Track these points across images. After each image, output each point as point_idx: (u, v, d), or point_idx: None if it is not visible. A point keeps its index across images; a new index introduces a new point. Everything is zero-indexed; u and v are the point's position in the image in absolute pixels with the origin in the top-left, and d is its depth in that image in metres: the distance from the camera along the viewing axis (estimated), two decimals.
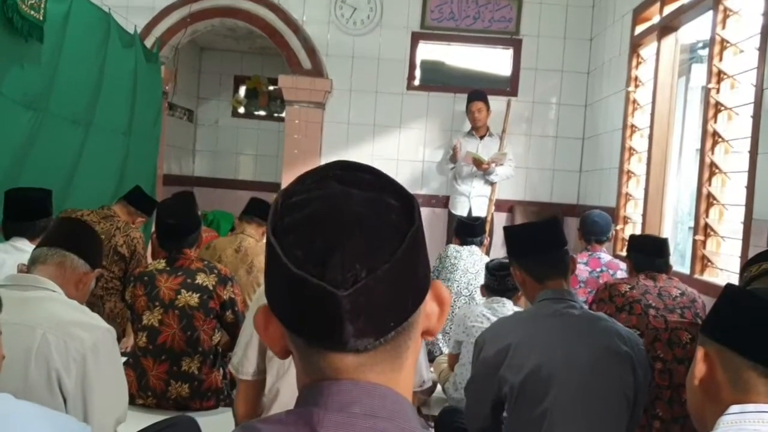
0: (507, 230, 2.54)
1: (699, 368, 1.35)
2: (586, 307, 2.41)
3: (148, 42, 6.71)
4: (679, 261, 6.01)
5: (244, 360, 2.28)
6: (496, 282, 3.65)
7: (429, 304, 0.88)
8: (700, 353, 1.36)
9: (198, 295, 3.33)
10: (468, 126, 6.55)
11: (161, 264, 3.42)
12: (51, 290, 2.08)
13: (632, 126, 5.53)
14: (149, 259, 4.40)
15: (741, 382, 1.29)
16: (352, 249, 0.78)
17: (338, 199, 0.82)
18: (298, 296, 0.80)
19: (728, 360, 1.31)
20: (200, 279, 3.36)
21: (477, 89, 6.53)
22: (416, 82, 7.04)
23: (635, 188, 5.51)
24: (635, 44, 5.50)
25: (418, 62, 7.06)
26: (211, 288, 3.35)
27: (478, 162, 6.17)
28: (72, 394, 1.93)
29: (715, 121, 3.99)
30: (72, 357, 1.94)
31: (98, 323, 2.05)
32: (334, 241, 0.78)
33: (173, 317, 3.31)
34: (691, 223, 5.25)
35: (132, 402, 3.10)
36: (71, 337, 1.96)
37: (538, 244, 2.39)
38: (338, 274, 0.77)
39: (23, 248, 3.20)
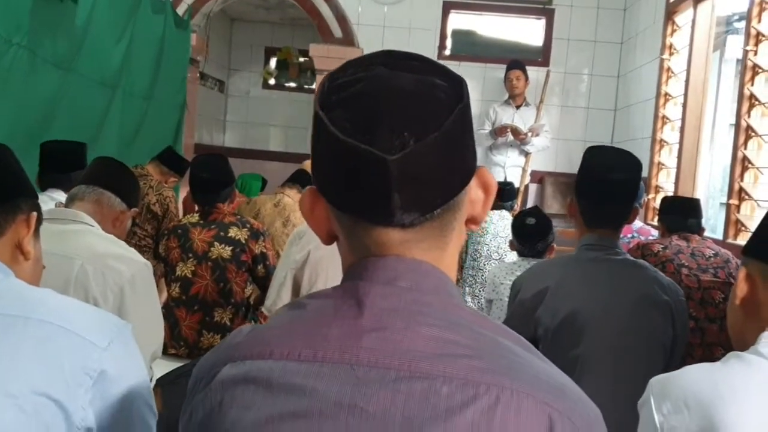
0: (587, 157, 2.28)
1: (741, 288, 1.33)
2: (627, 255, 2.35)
3: (180, 9, 6.73)
4: (710, 235, 5.94)
5: (278, 300, 2.31)
6: (527, 248, 3.62)
7: (474, 190, 0.88)
8: (741, 274, 1.34)
9: (231, 248, 3.36)
10: (503, 96, 6.53)
11: (195, 218, 3.46)
12: (89, 224, 2.11)
13: (666, 94, 5.47)
14: None
15: None
16: (400, 119, 0.78)
17: (386, 78, 0.82)
18: (345, 166, 0.80)
19: None
20: (233, 232, 3.39)
21: (516, 59, 6.53)
22: (447, 52, 7.01)
23: (668, 157, 5.46)
24: (670, 11, 5.43)
25: (449, 32, 7.02)
26: (243, 242, 3.38)
27: (515, 131, 6.18)
28: None
29: (752, 84, 3.93)
30: (110, 288, 1.97)
31: (136, 257, 2.08)
32: (382, 112, 0.79)
33: (206, 269, 3.34)
34: (723, 199, 5.19)
35: (164, 352, 3.13)
36: (109, 269, 1.99)
37: (610, 193, 2.21)
38: (386, 141, 0.77)
39: (59, 199, 3.24)
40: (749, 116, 3.95)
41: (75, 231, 2.06)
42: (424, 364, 0.76)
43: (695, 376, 1.23)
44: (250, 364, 0.80)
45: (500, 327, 0.86)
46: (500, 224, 4.70)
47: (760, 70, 3.91)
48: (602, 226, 2.27)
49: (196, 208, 3.56)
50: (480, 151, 6.70)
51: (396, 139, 0.77)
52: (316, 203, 0.88)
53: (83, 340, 1.07)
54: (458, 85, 0.84)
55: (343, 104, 0.81)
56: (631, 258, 2.33)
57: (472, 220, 0.90)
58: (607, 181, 2.23)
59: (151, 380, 2.26)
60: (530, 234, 3.60)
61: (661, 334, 2.14)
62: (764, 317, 1.28)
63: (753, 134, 3.93)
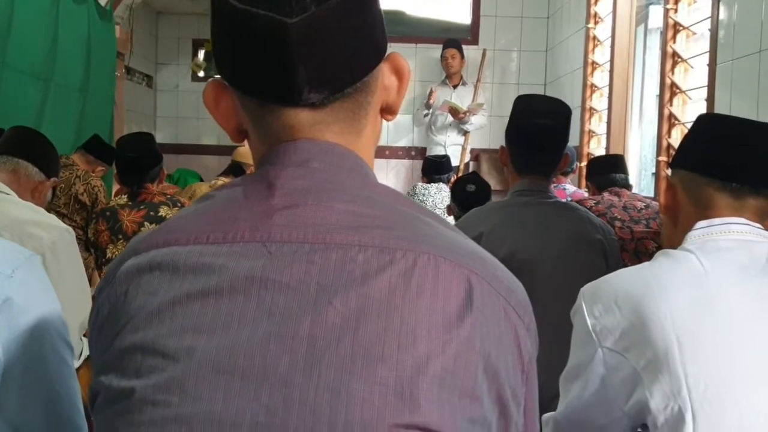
0: (517, 104, 2.27)
1: (664, 197, 1.36)
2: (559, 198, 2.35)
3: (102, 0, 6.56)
4: None
5: None
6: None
7: (387, 76, 0.86)
8: (664, 185, 1.36)
9: None
10: (438, 75, 6.58)
11: (123, 199, 3.36)
12: (4, 193, 2.02)
13: (593, 63, 5.54)
14: None
15: (703, 200, 1.30)
16: None
17: None
18: (246, 39, 0.77)
19: (689, 182, 1.33)
20: (163, 212, 3.30)
21: (452, 38, 6.64)
22: None
23: (597, 124, 5.54)
24: None
25: None
26: None
27: (454, 111, 6.23)
28: None
29: (674, 42, 4.01)
30: None
31: (56, 223, 2.00)
32: None
33: None
34: (654, 169, 5.31)
35: None
36: (28, 235, 1.91)
37: (540, 140, 2.20)
38: (286, 6, 0.74)
39: None
40: (673, 73, 4.02)
41: None
42: (338, 235, 0.74)
43: (625, 275, 1.23)
44: (155, 252, 0.76)
45: (418, 205, 0.84)
46: (438, 196, 4.73)
47: (680, 28, 3.99)
48: (533, 172, 2.28)
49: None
50: (420, 132, 6.75)
51: (296, 4, 0.74)
52: (221, 95, 0.86)
53: None
54: None
55: None
56: (563, 201, 2.34)
57: (387, 110, 0.88)
58: (536, 127, 2.22)
59: (80, 355, 2.18)
60: (470, 200, 3.61)
61: (594, 269, 2.15)
62: (690, 220, 1.30)
63: (678, 91, 4.00)
